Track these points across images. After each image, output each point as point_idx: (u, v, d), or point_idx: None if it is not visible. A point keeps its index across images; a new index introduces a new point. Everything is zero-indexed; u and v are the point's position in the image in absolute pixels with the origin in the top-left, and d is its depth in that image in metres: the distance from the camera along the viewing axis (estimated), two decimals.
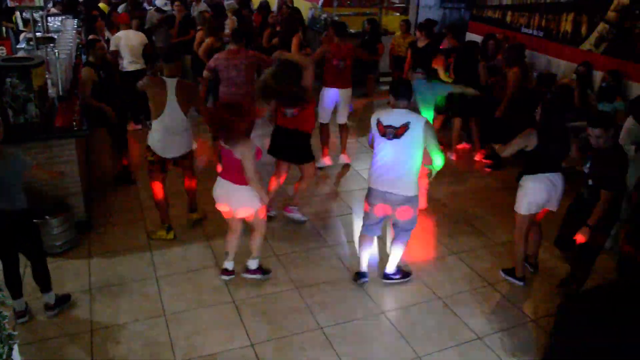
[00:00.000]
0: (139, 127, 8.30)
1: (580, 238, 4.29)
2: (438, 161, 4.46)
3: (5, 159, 3.84)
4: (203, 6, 11.10)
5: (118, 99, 6.35)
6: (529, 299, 4.78)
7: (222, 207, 4.66)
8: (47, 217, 4.96)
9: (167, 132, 5.14)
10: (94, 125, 6.01)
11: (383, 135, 4.35)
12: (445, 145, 6.71)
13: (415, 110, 5.56)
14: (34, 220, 4.32)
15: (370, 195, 4.59)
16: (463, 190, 6.82)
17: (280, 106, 5.47)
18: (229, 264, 4.85)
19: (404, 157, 4.35)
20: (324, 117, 7.18)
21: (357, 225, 5.89)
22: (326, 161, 7.30)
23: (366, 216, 4.72)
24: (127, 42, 7.92)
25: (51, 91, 5.68)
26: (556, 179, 4.61)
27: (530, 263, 5.14)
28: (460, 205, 6.42)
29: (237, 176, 4.44)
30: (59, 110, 5.31)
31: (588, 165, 4.45)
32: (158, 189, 5.37)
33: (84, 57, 7.58)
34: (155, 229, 5.51)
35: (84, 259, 5.06)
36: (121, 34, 7.99)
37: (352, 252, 5.37)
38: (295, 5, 11.79)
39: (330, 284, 4.86)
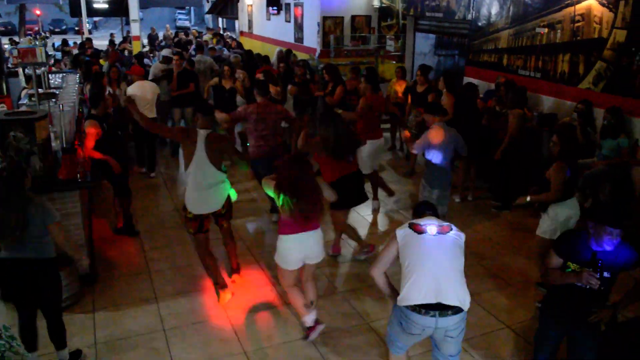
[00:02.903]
0: (143, 169, 8.43)
1: None
2: None
3: (35, 207, 3.77)
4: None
5: (121, 151, 6.33)
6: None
7: (299, 264, 4.43)
8: None
9: (197, 186, 4.97)
10: (96, 177, 5.96)
11: (421, 232, 3.48)
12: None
13: None
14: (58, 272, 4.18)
15: (412, 325, 3.47)
16: (472, 232, 6.72)
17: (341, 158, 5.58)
18: (314, 314, 4.53)
19: (451, 254, 3.50)
20: (366, 168, 7.01)
21: (366, 268, 5.76)
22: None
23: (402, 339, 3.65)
24: (142, 92, 8.25)
25: (54, 144, 5.64)
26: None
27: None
28: (471, 247, 6.31)
29: (317, 220, 4.41)
30: (63, 163, 5.25)
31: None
32: (201, 249, 5.19)
33: (85, 110, 7.62)
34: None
35: (89, 313, 4.90)
36: (136, 85, 8.36)
37: (363, 298, 5.23)
38: (291, 56, 11.99)
39: (343, 331, 4.71)
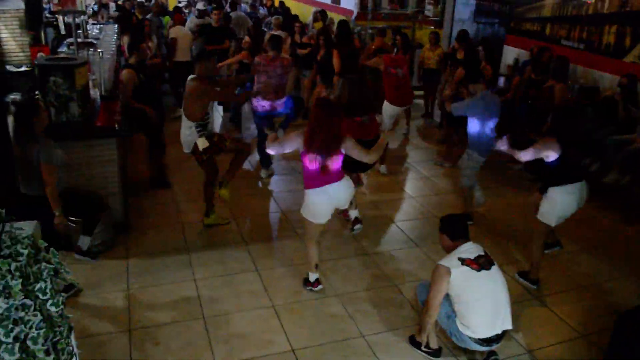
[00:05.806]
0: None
1: None
2: None
3: (41, 146, 3.98)
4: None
5: (156, 101, 6.37)
6: (576, 314, 4.60)
7: (327, 217, 4.43)
8: None
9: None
10: (132, 128, 6.01)
11: (479, 268, 3.61)
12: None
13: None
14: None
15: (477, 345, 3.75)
16: (503, 203, 6.65)
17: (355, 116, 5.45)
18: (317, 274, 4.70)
19: (502, 282, 3.74)
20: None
21: (395, 231, 5.78)
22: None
23: None
24: (183, 36, 9.19)
25: (93, 92, 5.69)
26: (583, 187, 4.57)
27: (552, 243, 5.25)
28: (500, 218, 6.27)
29: (340, 171, 4.34)
30: (101, 111, 5.30)
31: None
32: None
33: (122, 61, 7.65)
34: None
35: (122, 260, 5.01)
36: (177, 28, 9.36)
37: (391, 260, 5.25)
38: (329, 18, 11.81)
39: (371, 292, 4.74)
